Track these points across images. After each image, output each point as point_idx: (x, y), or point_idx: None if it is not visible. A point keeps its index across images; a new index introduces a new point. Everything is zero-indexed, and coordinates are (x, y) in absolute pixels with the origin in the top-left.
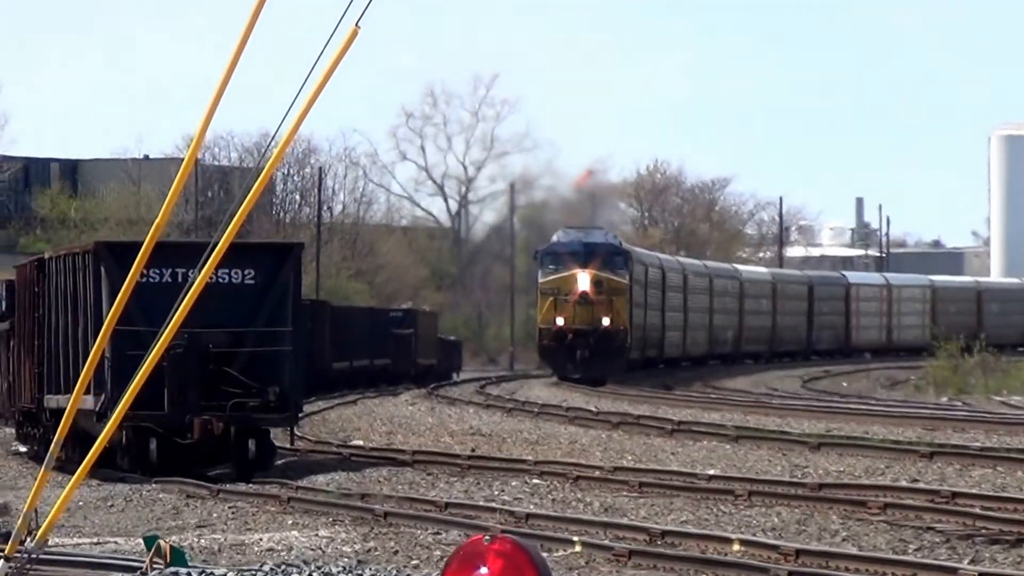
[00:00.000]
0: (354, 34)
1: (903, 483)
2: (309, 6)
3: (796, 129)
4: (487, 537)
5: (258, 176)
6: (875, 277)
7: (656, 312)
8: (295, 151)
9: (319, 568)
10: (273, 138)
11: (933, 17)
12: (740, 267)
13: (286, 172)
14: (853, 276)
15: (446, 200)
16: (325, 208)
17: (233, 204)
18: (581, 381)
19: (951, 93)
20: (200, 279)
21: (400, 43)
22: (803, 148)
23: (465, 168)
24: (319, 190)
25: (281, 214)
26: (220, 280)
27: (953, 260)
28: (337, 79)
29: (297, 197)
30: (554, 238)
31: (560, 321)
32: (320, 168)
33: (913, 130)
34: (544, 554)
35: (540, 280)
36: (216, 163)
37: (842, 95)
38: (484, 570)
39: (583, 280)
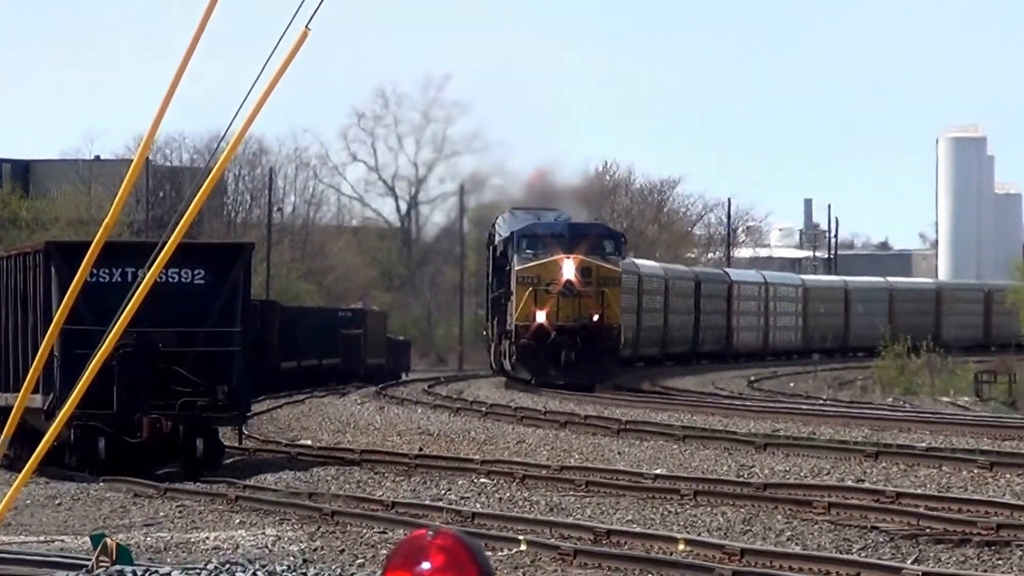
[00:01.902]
0: (304, 36)
1: (848, 483)
2: (261, 7)
3: (745, 130)
4: (429, 532)
5: (208, 176)
6: (753, 275)
7: None
8: (246, 152)
9: (264, 567)
10: (223, 138)
11: (883, 20)
12: (638, 261)
13: (237, 173)
14: (735, 273)
15: (396, 201)
16: (275, 209)
17: (182, 204)
18: (565, 387)
19: (900, 96)
20: (148, 278)
21: (351, 44)
22: (752, 149)
23: (416, 169)
24: (270, 191)
25: (232, 215)
26: (170, 280)
27: (901, 262)
28: (288, 80)
29: (248, 198)
30: (499, 220)
31: (541, 317)
32: (271, 169)
33: (862, 132)
34: (490, 553)
35: (516, 267)
36: (168, 164)
37: (791, 97)
38: (426, 565)
39: (568, 268)
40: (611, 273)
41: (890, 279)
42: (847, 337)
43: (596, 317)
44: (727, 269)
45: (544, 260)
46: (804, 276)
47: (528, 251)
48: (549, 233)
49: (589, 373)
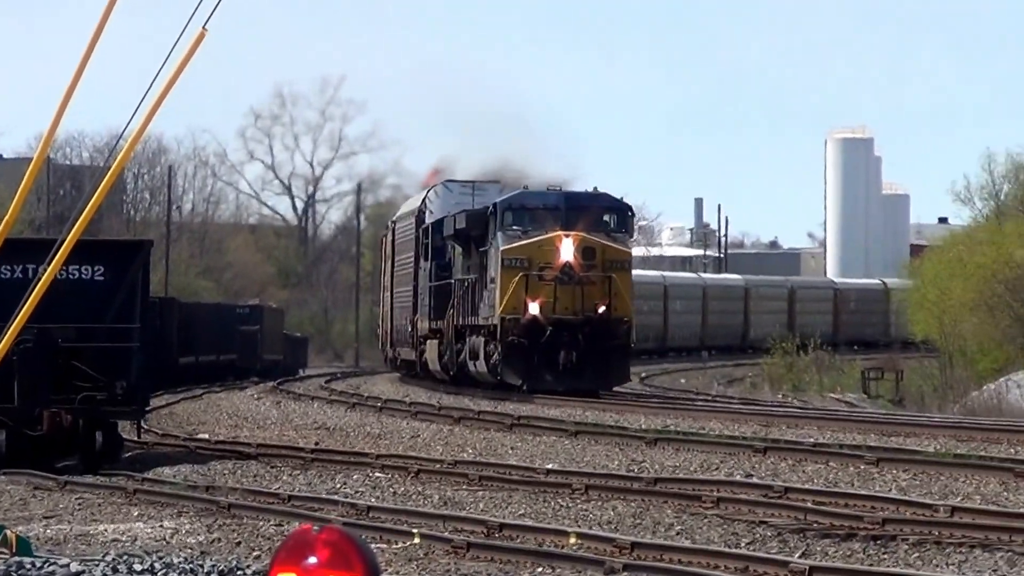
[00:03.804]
0: (201, 36)
1: (737, 478)
2: (161, 8)
3: (637, 130)
4: (315, 527)
5: (107, 174)
6: (653, 275)
7: None
8: (145, 151)
9: (161, 559)
10: (121, 136)
11: (773, 22)
12: None
13: (136, 171)
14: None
15: (293, 199)
16: (174, 207)
17: (81, 201)
18: (566, 394)
19: (789, 97)
20: (47, 275)
21: (249, 45)
22: (643, 149)
23: (312, 167)
24: (169, 189)
25: (131, 213)
26: (70, 276)
27: (790, 260)
28: (186, 80)
29: (147, 196)
30: (430, 195)
31: (534, 308)
32: (170, 167)
33: (752, 133)
34: (384, 546)
35: (502, 247)
36: (68, 162)
37: (682, 97)
38: (312, 560)
39: (567, 248)
40: (619, 255)
41: (792, 278)
42: (746, 335)
43: (602, 309)
44: None
45: (537, 238)
46: (704, 275)
47: (515, 227)
48: (541, 205)
49: (594, 377)
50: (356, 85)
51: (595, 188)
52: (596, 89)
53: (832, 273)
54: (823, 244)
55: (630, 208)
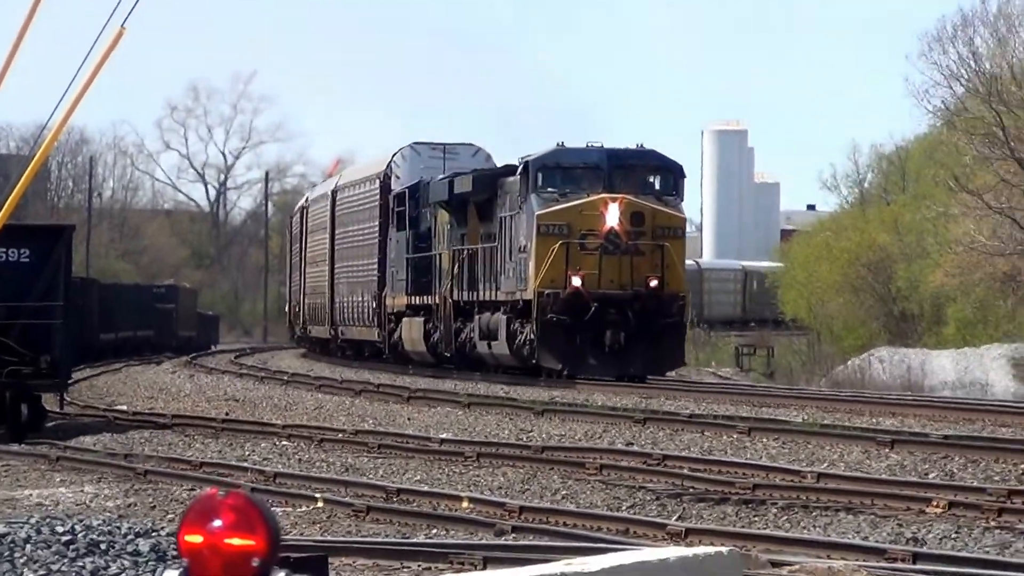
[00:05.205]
0: (120, 34)
1: (619, 446)
2: (83, 7)
3: (522, 122)
4: (221, 492)
5: (32, 163)
6: None
7: None
8: (69, 141)
9: (81, 521)
10: (44, 128)
11: (658, 20)
12: None
13: (60, 160)
14: None
15: (206, 186)
16: (95, 194)
17: (7, 188)
18: (614, 380)
19: (669, 91)
20: None
21: (166, 42)
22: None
23: (224, 157)
24: (90, 177)
25: (55, 199)
26: None
27: None
28: (106, 74)
29: (70, 183)
30: (396, 159)
31: (576, 281)
32: (91, 157)
33: (633, 124)
34: (289, 509)
35: (537, 211)
36: None
37: (567, 90)
38: (218, 523)
39: (612, 213)
40: (672, 221)
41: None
42: None
43: (654, 283)
44: None
45: (577, 202)
46: None
47: (550, 189)
48: (581, 163)
49: (645, 361)
50: (266, 79)
51: (640, 145)
52: (483, 84)
53: (708, 256)
54: (699, 229)
55: (681, 168)
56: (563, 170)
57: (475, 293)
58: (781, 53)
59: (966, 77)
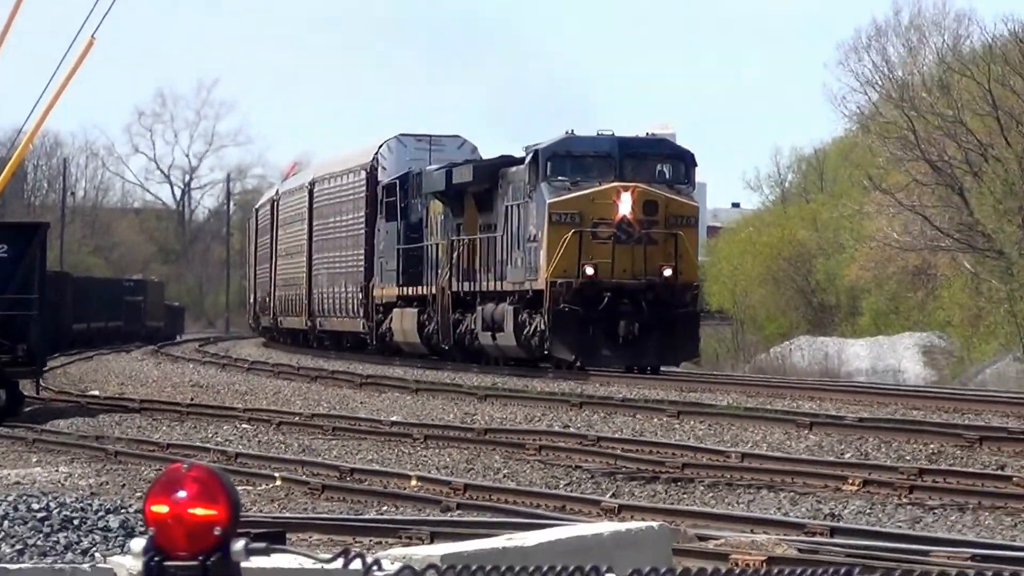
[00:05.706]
0: (90, 44)
1: (556, 428)
2: (55, 17)
3: (432, 121)
4: (185, 465)
5: (8, 164)
6: None
7: None
8: (44, 144)
9: (56, 498)
10: (20, 131)
11: (591, 27)
12: None
13: (35, 163)
14: None
15: (172, 187)
16: (68, 193)
17: None
18: (627, 371)
19: (604, 95)
20: None
21: (134, 51)
22: None
23: (189, 159)
24: (63, 177)
25: (31, 198)
26: None
27: None
28: (78, 82)
29: (45, 184)
30: (382, 150)
31: (589, 271)
32: (65, 159)
33: (571, 129)
34: (249, 487)
35: (549, 200)
36: None
37: (496, 95)
38: (182, 493)
39: (625, 202)
40: (685, 209)
41: None
42: None
43: (668, 272)
44: None
45: (588, 190)
46: None
47: (560, 178)
48: (592, 152)
49: (659, 351)
50: (228, 86)
51: (649, 133)
52: (430, 86)
53: None
54: None
55: (693, 156)
56: (574, 158)
57: (476, 284)
58: (708, 60)
59: (880, 84)
